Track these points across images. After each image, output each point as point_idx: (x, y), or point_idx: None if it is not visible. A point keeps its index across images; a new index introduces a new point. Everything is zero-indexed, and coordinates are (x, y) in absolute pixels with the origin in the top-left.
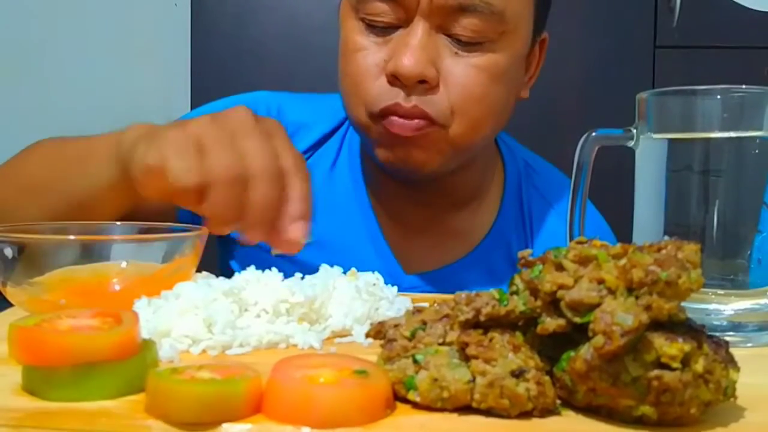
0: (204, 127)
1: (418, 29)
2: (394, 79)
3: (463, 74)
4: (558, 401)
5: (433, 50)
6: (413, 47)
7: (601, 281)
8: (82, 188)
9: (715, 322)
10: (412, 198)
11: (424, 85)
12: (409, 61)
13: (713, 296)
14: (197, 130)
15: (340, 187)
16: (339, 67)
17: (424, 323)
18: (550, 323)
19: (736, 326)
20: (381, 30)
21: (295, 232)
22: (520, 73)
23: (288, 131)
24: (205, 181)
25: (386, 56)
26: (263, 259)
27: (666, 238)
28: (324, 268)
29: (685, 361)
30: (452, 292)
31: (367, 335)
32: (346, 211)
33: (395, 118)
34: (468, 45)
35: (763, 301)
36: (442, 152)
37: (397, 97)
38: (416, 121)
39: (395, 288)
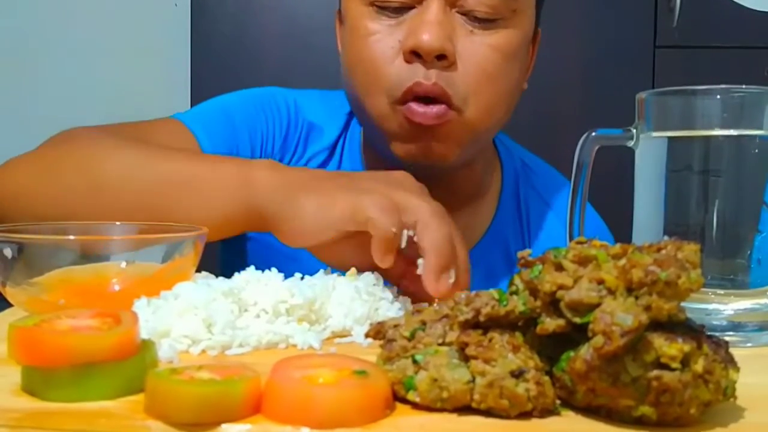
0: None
1: (433, 6)
2: (413, 57)
3: (478, 53)
4: (558, 401)
5: (449, 27)
6: (431, 23)
7: (600, 281)
8: (192, 219)
9: (715, 322)
10: None
11: (443, 61)
12: (428, 36)
13: (713, 296)
14: (398, 195)
15: None
16: (347, 59)
17: (424, 323)
18: (549, 323)
19: (735, 326)
20: (393, 11)
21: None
22: (527, 59)
23: (303, 131)
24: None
25: (401, 37)
26: (266, 257)
27: (666, 238)
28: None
29: (685, 362)
30: None
31: (367, 335)
32: None
33: (415, 106)
34: (482, 22)
35: (762, 301)
36: (460, 143)
37: (416, 75)
38: (436, 108)
39: (395, 288)
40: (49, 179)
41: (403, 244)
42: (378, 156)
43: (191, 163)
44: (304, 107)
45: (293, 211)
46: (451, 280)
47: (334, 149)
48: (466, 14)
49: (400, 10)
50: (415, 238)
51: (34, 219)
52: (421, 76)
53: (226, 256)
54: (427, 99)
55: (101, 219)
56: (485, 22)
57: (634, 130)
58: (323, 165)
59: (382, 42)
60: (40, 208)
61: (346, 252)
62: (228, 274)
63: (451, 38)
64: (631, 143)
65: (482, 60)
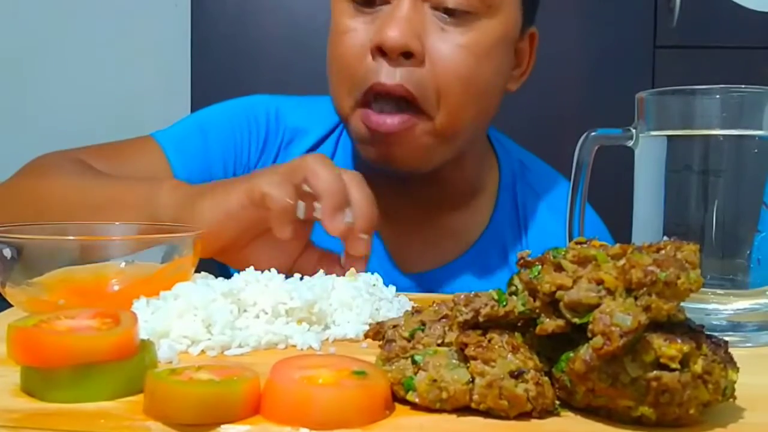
0: (274, 168)
1: (405, 2)
2: (378, 52)
3: (448, 52)
4: (557, 402)
5: (419, 24)
6: (398, 19)
7: (600, 282)
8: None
9: (715, 322)
10: (407, 197)
11: (410, 60)
12: (393, 32)
13: (712, 296)
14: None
15: None
16: (327, 57)
17: (423, 324)
18: (549, 324)
19: (735, 326)
20: (369, 6)
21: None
22: (507, 59)
23: (286, 137)
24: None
25: (372, 35)
26: None
27: (665, 238)
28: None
29: (684, 362)
30: (449, 292)
31: (366, 336)
32: None
33: (371, 113)
34: (455, 17)
35: (762, 300)
36: (424, 146)
37: (380, 73)
38: (398, 119)
39: (393, 288)
40: (2, 210)
41: (301, 214)
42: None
43: (112, 187)
44: (287, 114)
45: (191, 215)
46: (347, 219)
47: (320, 145)
48: (437, 7)
49: (376, 7)
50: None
51: None
52: (384, 74)
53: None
54: (389, 100)
55: None
56: (458, 17)
57: (634, 130)
58: None
59: (354, 38)
60: None
61: (260, 253)
62: (227, 276)
63: (420, 36)
64: (630, 143)
65: (452, 60)
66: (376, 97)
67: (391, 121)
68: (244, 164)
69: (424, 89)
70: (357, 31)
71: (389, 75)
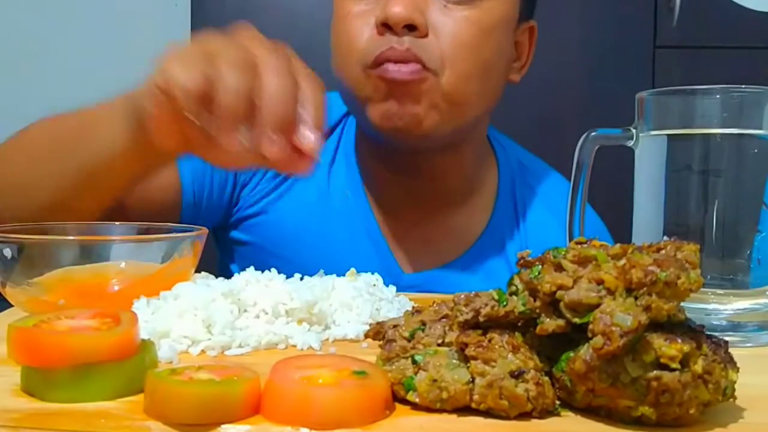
0: (207, 40)
1: None
2: (384, 28)
3: (452, 24)
4: (557, 402)
5: (422, 2)
6: None
7: (600, 282)
8: (94, 153)
9: (715, 322)
10: (408, 194)
11: (413, 32)
12: (397, 8)
13: (712, 296)
14: (200, 43)
15: (338, 187)
16: (331, 42)
17: (423, 324)
18: (549, 324)
19: (735, 326)
20: None
21: (310, 141)
22: (507, 45)
23: None
24: (213, 76)
25: (377, 14)
26: (263, 261)
27: (665, 238)
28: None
29: (684, 362)
30: (450, 292)
31: (366, 336)
32: (344, 210)
33: (389, 64)
34: None
35: (762, 300)
36: (436, 106)
37: (389, 43)
38: (411, 64)
39: (393, 288)
40: None
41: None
42: (370, 150)
43: (94, 108)
44: None
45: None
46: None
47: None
48: None
49: None
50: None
51: None
52: (394, 42)
53: (222, 263)
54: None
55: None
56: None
57: (634, 130)
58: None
59: (359, 20)
60: None
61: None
62: (227, 277)
63: (422, 11)
64: (630, 143)
65: (457, 31)
66: (388, 61)
67: (406, 68)
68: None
69: (431, 54)
70: (360, 14)
71: (398, 44)
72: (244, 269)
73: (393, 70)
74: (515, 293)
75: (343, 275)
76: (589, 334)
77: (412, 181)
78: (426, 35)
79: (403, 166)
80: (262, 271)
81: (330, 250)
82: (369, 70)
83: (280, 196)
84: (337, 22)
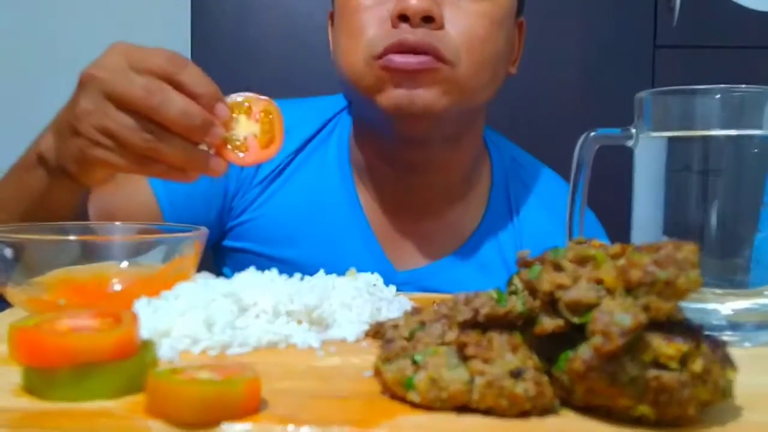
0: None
1: None
2: (398, 20)
3: (466, 18)
4: (556, 401)
5: None
6: None
7: (599, 281)
8: (33, 193)
9: (714, 322)
10: (409, 190)
11: (430, 24)
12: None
13: (712, 296)
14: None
15: (329, 186)
16: (336, 34)
17: (423, 323)
18: (548, 323)
19: (734, 326)
20: None
21: (221, 110)
22: (510, 37)
23: None
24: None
25: (390, 7)
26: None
27: (665, 237)
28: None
29: (683, 361)
30: (445, 288)
31: (366, 335)
32: (336, 209)
33: (394, 55)
34: None
35: (761, 300)
36: (448, 92)
37: (402, 34)
38: (420, 57)
39: (393, 288)
40: None
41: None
42: (371, 147)
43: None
44: None
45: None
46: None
47: (308, 144)
48: None
49: None
50: None
51: None
52: (408, 33)
53: (216, 270)
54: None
55: None
56: None
57: (634, 130)
58: (304, 161)
59: (371, 12)
60: None
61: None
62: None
63: (438, 3)
64: (630, 143)
65: (472, 23)
66: (398, 52)
67: (414, 59)
68: (227, 176)
69: (447, 45)
70: (372, 7)
71: (413, 34)
72: (237, 272)
73: (399, 60)
74: (515, 293)
75: (335, 274)
76: (589, 334)
77: (413, 177)
78: (442, 27)
79: (406, 160)
80: (262, 271)
81: (322, 251)
82: (373, 60)
83: (267, 199)
84: (346, 15)
